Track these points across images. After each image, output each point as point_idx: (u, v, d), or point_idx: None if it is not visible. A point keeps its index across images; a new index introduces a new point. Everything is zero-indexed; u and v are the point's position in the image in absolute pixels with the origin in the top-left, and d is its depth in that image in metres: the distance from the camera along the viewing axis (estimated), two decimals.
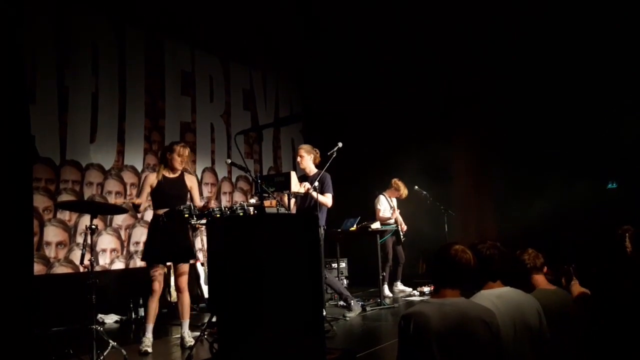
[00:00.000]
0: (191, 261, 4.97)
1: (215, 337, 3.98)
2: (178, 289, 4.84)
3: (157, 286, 4.69)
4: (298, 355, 2.69)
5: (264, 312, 2.62)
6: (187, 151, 4.86)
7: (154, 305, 4.70)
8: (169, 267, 6.83)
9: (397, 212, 7.78)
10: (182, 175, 4.91)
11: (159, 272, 4.69)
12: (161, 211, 4.66)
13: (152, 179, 4.78)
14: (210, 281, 2.99)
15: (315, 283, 3.00)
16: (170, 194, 4.73)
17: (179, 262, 4.75)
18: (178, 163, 4.79)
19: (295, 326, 2.71)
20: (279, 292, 2.66)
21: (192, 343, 4.61)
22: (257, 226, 2.75)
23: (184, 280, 4.79)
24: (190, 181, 4.96)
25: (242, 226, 2.84)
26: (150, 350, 4.60)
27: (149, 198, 4.83)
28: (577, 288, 3.29)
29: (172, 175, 4.85)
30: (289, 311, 2.68)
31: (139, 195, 4.86)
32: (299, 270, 2.79)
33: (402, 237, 7.76)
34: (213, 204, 5.72)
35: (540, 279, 3.20)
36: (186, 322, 4.83)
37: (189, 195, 4.91)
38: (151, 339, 4.69)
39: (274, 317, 2.64)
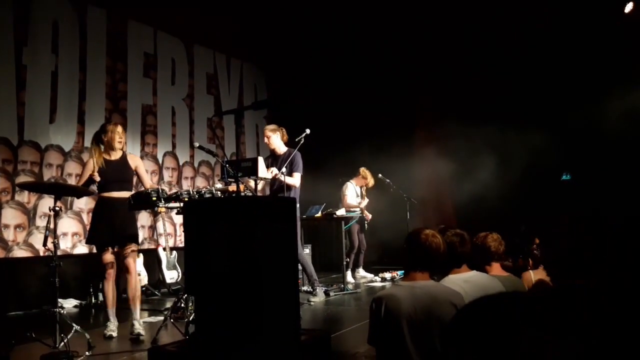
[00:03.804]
0: (152, 246, 4.88)
1: (190, 320, 3.97)
2: (127, 271, 4.59)
3: (111, 269, 4.57)
4: (274, 335, 2.73)
5: (242, 294, 2.65)
6: (120, 127, 4.71)
7: (110, 289, 4.60)
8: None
9: (365, 201, 7.87)
10: (124, 157, 4.76)
11: (110, 255, 4.56)
12: (114, 194, 4.54)
13: (91, 165, 4.56)
14: (187, 263, 2.98)
15: (293, 265, 3.05)
16: (114, 178, 4.58)
17: (125, 244, 4.58)
18: (116, 142, 4.64)
19: (272, 307, 2.75)
20: (258, 274, 2.69)
21: (142, 331, 4.47)
22: (238, 209, 2.77)
23: (132, 260, 4.60)
24: (134, 161, 4.81)
25: (223, 209, 2.85)
26: (115, 334, 4.54)
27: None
28: (539, 274, 3.43)
29: (113, 158, 4.69)
30: (267, 293, 2.71)
31: (80, 181, 4.68)
32: (278, 252, 2.82)
33: (365, 225, 7.85)
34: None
35: (495, 266, 3.32)
36: (137, 310, 4.61)
37: (135, 177, 4.80)
38: (116, 323, 4.62)
39: (253, 299, 2.67)
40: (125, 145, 4.86)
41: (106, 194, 4.57)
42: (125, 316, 5.57)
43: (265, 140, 5.93)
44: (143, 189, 4.59)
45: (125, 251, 4.61)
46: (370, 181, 7.83)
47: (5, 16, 6.05)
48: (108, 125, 4.75)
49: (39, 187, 5.14)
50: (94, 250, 6.71)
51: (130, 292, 4.65)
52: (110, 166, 4.62)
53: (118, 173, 4.63)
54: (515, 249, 4.58)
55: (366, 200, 7.83)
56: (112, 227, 4.52)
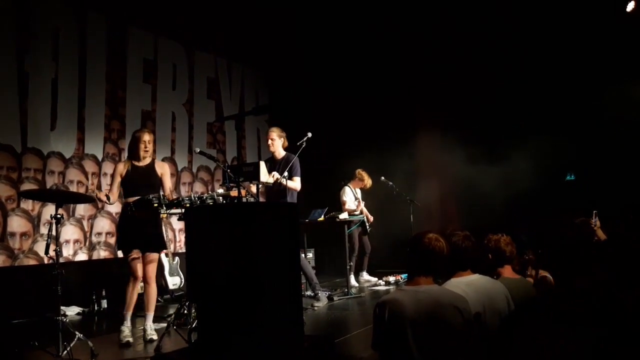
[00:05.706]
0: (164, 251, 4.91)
1: (193, 327, 3.94)
2: (145, 280, 4.72)
3: (138, 271, 4.60)
4: (278, 342, 2.71)
5: (245, 301, 2.63)
6: (146, 135, 4.78)
7: (134, 292, 4.63)
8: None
9: (362, 203, 7.82)
10: (152, 163, 4.85)
11: (136, 258, 4.60)
12: (131, 199, 4.56)
13: (121, 168, 4.73)
14: (189, 270, 2.97)
15: (295, 271, 3.03)
16: (140, 183, 4.65)
17: (147, 251, 4.67)
18: (142, 150, 4.74)
19: (275, 313, 2.73)
20: (260, 281, 2.67)
21: (155, 336, 4.55)
22: (240, 215, 2.75)
23: (152, 270, 4.70)
24: (161, 168, 4.89)
25: (225, 215, 2.84)
26: (132, 340, 4.53)
27: (120, 187, 4.75)
28: (540, 274, 3.42)
29: (141, 164, 4.79)
30: (270, 300, 2.70)
31: (111, 186, 4.80)
32: (280, 258, 2.81)
33: (368, 227, 7.81)
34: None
35: (507, 268, 3.30)
36: (150, 315, 4.73)
37: (160, 183, 4.84)
38: (131, 328, 4.64)
39: (255, 306, 2.65)
40: (154, 153, 4.95)
41: (132, 199, 4.57)
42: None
43: (269, 142, 5.88)
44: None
45: (147, 258, 4.68)
46: (368, 182, 7.76)
47: (7, 24, 6.05)
48: (135, 133, 4.86)
49: (41, 195, 5.15)
50: (94, 258, 6.76)
51: (147, 299, 4.72)
52: (137, 172, 4.72)
53: (144, 179, 4.71)
54: (523, 247, 4.56)
55: (362, 203, 7.78)
56: (136, 231, 4.58)
